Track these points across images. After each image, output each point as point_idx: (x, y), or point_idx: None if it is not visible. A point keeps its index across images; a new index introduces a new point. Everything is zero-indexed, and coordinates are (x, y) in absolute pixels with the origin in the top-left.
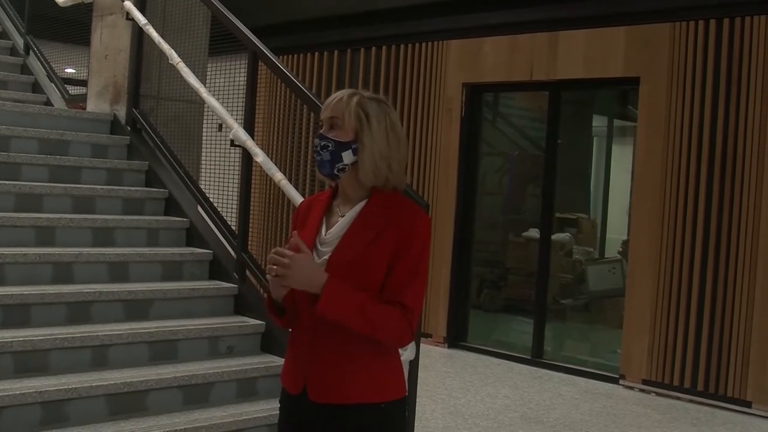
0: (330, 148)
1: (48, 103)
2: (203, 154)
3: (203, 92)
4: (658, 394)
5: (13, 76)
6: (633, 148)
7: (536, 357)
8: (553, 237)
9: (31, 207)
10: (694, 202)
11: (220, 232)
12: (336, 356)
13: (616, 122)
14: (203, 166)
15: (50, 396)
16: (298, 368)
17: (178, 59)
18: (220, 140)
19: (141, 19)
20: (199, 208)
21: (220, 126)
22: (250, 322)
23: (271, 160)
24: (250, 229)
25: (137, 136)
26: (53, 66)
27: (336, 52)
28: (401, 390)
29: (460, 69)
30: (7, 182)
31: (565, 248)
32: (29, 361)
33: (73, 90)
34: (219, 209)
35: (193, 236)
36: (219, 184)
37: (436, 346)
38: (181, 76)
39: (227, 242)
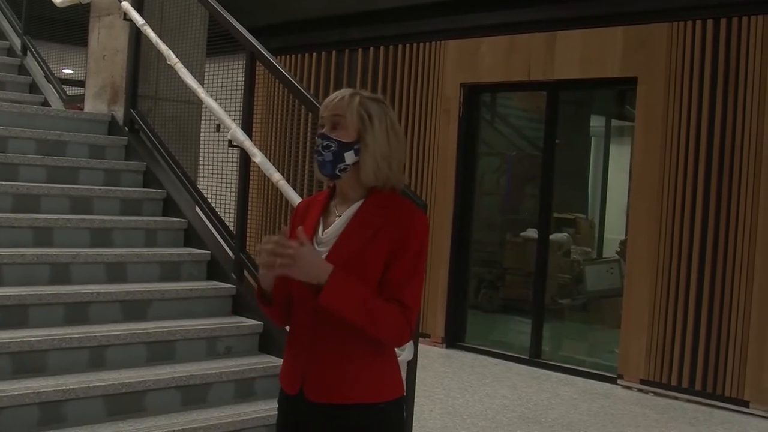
0: (332, 148)
1: (45, 103)
2: (201, 154)
3: (201, 93)
4: (656, 393)
5: (11, 77)
6: (631, 148)
7: (534, 357)
8: (551, 237)
9: (29, 207)
10: (691, 201)
11: (218, 232)
12: (335, 356)
13: (614, 122)
14: (201, 167)
15: (48, 396)
16: (296, 368)
17: (176, 59)
18: (218, 141)
19: (138, 19)
20: (197, 209)
21: (218, 126)
22: (248, 323)
23: (269, 160)
24: (248, 230)
25: (135, 136)
26: (51, 66)
27: (334, 52)
28: (399, 390)
29: (458, 69)
30: (4, 183)
31: (563, 248)
32: (27, 362)
33: (71, 91)
34: (217, 210)
35: (191, 237)
36: (217, 184)
37: (434, 346)
38: (179, 77)
39: (225, 243)
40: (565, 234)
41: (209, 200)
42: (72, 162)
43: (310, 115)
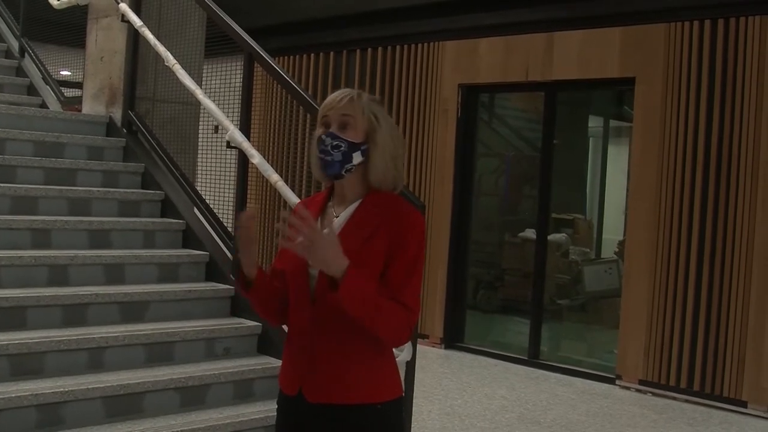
0: (342, 149)
1: (43, 105)
2: (199, 155)
3: (199, 94)
4: (654, 394)
5: (8, 79)
6: (629, 149)
7: (533, 357)
8: (550, 237)
9: (27, 209)
10: (689, 202)
11: (216, 233)
12: (334, 357)
13: (612, 123)
14: (199, 168)
15: (46, 398)
16: (295, 369)
17: (174, 61)
18: (216, 142)
19: (136, 21)
20: (196, 210)
21: (216, 128)
22: (247, 324)
23: (268, 161)
24: None
25: (133, 138)
26: (48, 68)
27: (332, 53)
28: (398, 390)
29: (456, 70)
30: (2, 185)
31: (561, 249)
32: (25, 364)
33: (69, 92)
34: (215, 211)
35: (189, 238)
36: (215, 185)
37: (433, 347)
38: (177, 78)
39: (223, 244)
40: (564, 234)
41: (207, 201)
42: (70, 164)
43: (308, 116)
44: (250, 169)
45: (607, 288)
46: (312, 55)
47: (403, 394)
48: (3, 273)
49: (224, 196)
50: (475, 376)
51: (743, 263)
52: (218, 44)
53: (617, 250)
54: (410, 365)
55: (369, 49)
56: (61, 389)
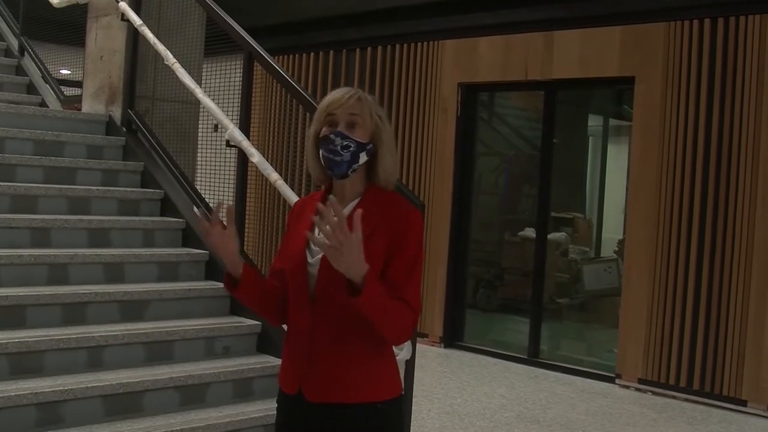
0: (351, 149)
1: (43, 104)
2: (199, 154)
3: (199, 93)
4: (654, 393)
5: (8, 78)
6: (628, 148)
7: (532, 356)
8: (549, 236)
9: (27, 208)
10: (689, 200)
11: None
12: (333, 356)
13: (612, 122)
14: (199, 167)
15: (46, 397)
16: (294, 368)
17: (174, 60)
18: (216, 141)
19: (136, 20)
20: (195, 209)
21: (216, 126)
22: (246, 323)
23: (267, 160)
24: (246, 230)
25: (133, 137)
26: (48, 67)
27: (332, 52)
28: (397, 389)
29: (456, 69)
30: (2, 184)
31: (561, 248)
32: (24, 363)
33: (68, 91)
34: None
35: (189, 237)
36: (215, 184)
37: (433, 345)
38: (177, 77)
39: None
40: (563, 233)
41: (207, 200)
42: (69, 162)
43: (307, 115)
44: (249, 168)
45: (606, 287)
46: (312, 54)
47: (403, 393)
48: (2, 272)
49: (224, 195)
50: (475, 375)
51: (743, 262)
52: (218, 43)
53: (617, 249)
54: (410, 364)
55: (369, 49)
56: (61, 388)
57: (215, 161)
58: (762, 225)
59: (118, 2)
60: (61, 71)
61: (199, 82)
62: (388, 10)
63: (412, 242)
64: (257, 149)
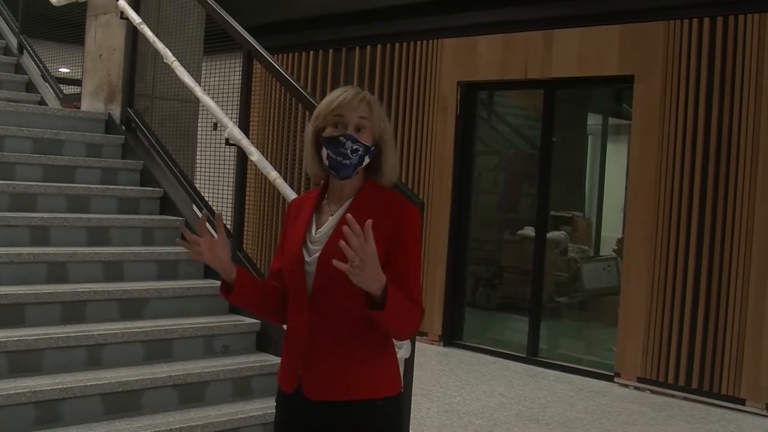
0: (360, 152)
1: (42, 102)
2: (198, 153)
3: (198, 91)
4: (652, 391)
5: (7, 76)
6: (628, 146)
7: (531, 355)
8: (549, 235)
9: (26, 206)
10: (688, 199)
11: (215, 231)
12: (333, 354)
13: (611, 120)
14: (198, 165)
15: (44, 395)
16: (293, 366)
17: (173, 58)
18: (215, 139)
19: (135, 18)
20: (194, 207)
21: (215, 125)
22: (246, 321)
23: (266, 158)
24: (245, 228)
25: (132, 135)
26: (47, 65)
27: (331, 50)
28: (397, 386)
29: (455, 67)
30: (1, 182)
31: (560, 246)
32: (23, 361)
33: (68, 89)
34: (214, 208)
35: None
36: (214, 182)
37: (432, 344)
38: (176, 75)
39: None
40: (563, 232)
41: (206, 199)
42: (69, 161)
43: (307, 113)
44: (248, 167)
45: (605, 285)
46: (311, 52)
47: (402, 391)
48: (2, 270)
49: (223, 194)
50: (474, 373)
51: (742, 261)
52: (217, 41)
53: (616, 247)
54: (409, 362)
55: (368, 47)
56: (60, 386)
57: (214, 160)
58: (761, 223)
59: (117, 0)
60: (60, 69)
61: (198, 80)
62: (388, 9)
63: (411, 239)
64: (256, 148)
